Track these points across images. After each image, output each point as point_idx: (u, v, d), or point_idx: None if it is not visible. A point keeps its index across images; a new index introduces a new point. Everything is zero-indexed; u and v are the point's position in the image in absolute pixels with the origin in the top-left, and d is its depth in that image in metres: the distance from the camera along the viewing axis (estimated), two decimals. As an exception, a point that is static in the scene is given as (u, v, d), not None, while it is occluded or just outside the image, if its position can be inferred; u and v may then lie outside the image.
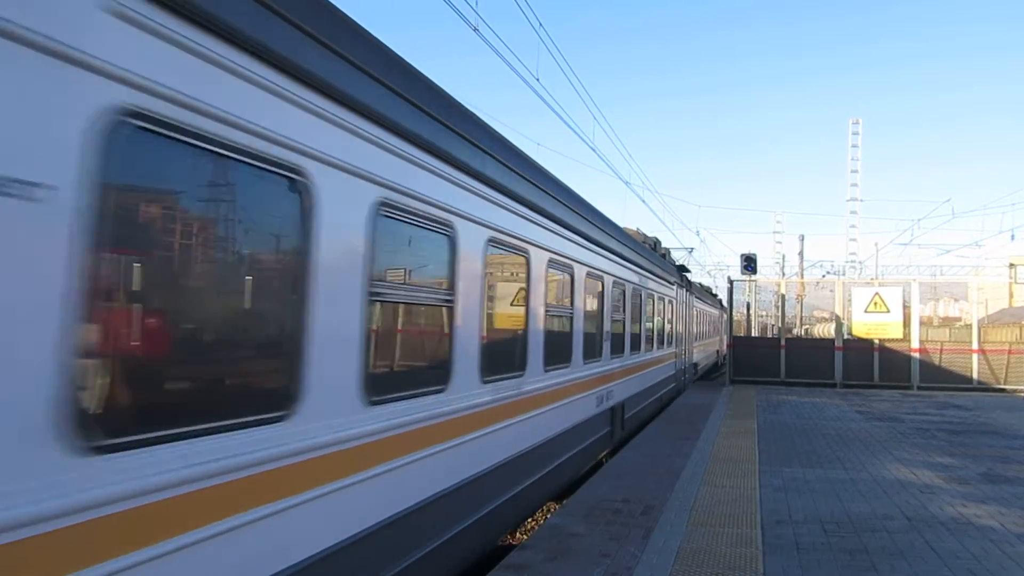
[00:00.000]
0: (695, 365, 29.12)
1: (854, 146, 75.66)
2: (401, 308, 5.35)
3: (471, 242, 6.25)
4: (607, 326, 11.96)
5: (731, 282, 30.07)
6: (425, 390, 5.45)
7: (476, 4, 10.91)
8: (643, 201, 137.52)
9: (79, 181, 2.62)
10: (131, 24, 2.82)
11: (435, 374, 5.74)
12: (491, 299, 6.97)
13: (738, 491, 9.33)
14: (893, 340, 26.19)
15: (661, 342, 18.45)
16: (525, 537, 8.95)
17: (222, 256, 3.66)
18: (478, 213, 6.36)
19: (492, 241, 6.75)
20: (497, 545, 7.92)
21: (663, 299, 18.80)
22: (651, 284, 16.54)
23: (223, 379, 3.65)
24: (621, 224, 15.18)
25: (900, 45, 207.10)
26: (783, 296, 32.41)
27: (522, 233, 7.52)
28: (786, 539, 7.31)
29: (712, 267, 61.76)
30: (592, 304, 10.96)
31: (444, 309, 5.88)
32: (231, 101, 3.35)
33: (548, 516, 8.63)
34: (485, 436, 6.58)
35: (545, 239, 8.29)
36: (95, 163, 2.67)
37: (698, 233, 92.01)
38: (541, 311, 8.15)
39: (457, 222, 5.92)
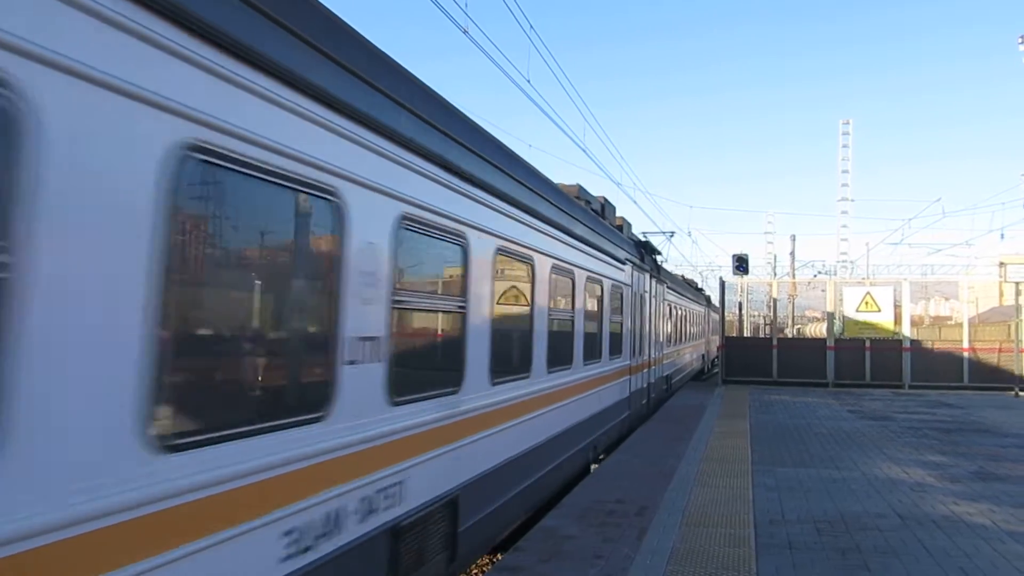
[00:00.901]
0: (667, 379, 21.97)
1: (844, 146, 76.04)
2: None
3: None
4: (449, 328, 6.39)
5: (723, 282, 30.14)
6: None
7: (466, 6, 10.93)
8: (634, 201, 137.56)
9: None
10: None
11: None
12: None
13: (731, 491, 9.35)
14: (884, 339, 26.32)
15: (597, 353, 11.60)
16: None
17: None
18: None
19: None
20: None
21: (608, 286, 12.27)
22: (580, 260, 10.32)
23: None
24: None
25: (890, 46, 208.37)
26: (775, 297, 32.50)
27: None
28: (779, 539, 7.33)
29: (704, 267, 61.89)
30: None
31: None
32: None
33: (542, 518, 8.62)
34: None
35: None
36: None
37: (690, 234, 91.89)
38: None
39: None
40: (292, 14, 3.86)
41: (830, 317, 27.74)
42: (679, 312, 25.31)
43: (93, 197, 2.72)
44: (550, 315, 8.76)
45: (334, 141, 4.22)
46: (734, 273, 29.83)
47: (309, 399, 4.15)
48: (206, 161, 3.26)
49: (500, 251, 6.96)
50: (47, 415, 2.56)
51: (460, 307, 6.20)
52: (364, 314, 4.58)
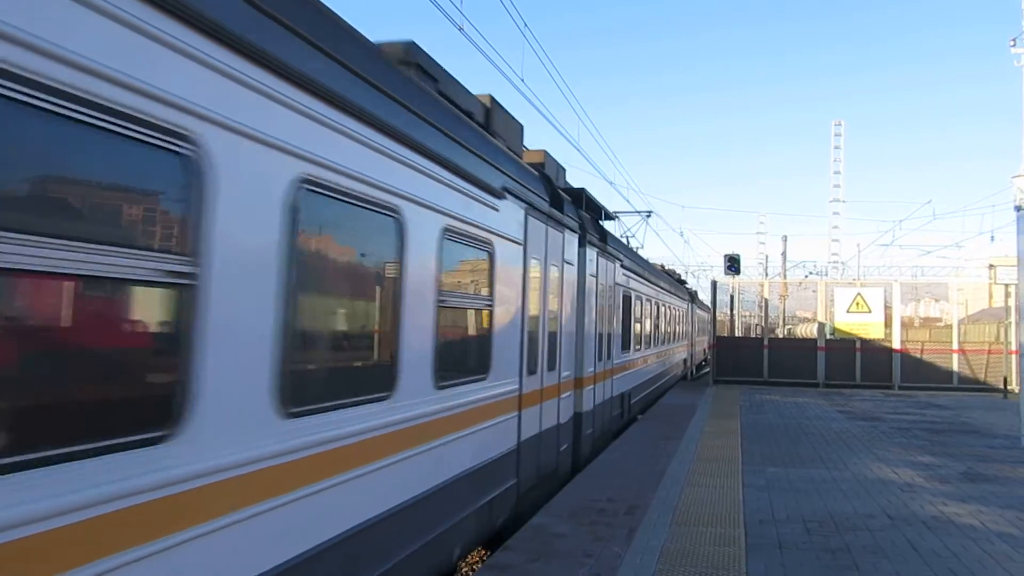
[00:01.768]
0: (623, 400, 15.22)
1: (836, 148, 76.33)
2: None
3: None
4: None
5: (715, 282, 30.20)
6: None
7: (461, 3, 10.87)
8: (627, 201, 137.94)
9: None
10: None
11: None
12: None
13: (721, 491, 9.35)
14: (874, 340, 26.42)
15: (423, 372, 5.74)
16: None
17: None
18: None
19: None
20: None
21: (479, 241, 6.82)
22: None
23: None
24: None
25: (881, 47, 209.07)
26: (766, 297, 32.59)
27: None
28: (769, 538, 7.34)
29: (696, 268, 62.04)
30: None
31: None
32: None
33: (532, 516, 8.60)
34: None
35: None
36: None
37: (682, 234, 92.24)
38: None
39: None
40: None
41: (821, 327, 27.79)
42: (648, 306, 18.93)
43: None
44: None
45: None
46: (726, 273, 29.87)
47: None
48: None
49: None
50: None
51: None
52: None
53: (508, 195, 7.44)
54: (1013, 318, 21.05)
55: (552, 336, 9.35)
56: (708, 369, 38.97)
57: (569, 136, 72.50)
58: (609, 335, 13.22)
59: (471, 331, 6.95)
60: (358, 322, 5.11)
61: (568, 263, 10.13)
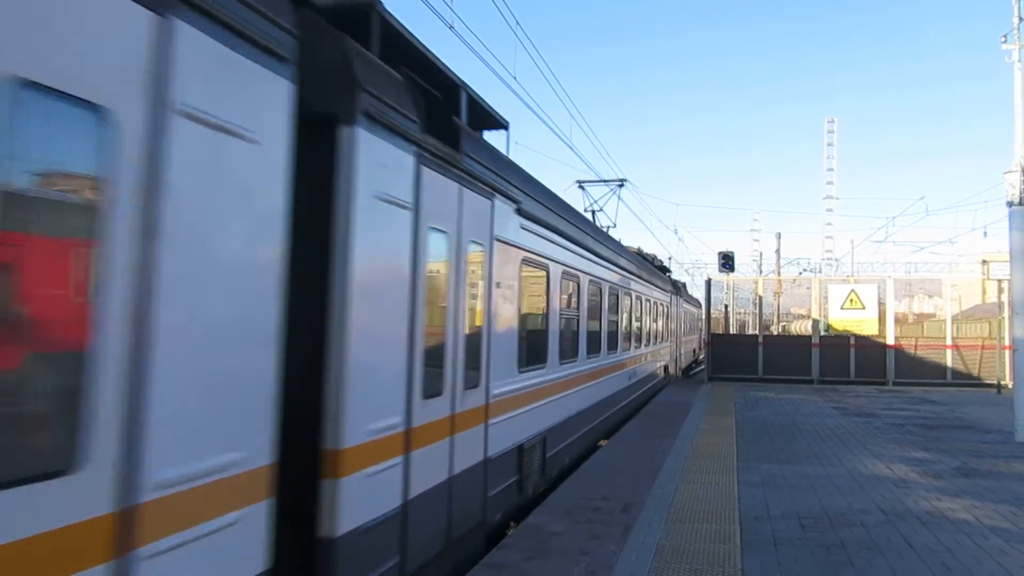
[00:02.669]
0: (515, 459, 8.45)
1: (829, 144, 76.47)
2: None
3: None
4: None
5: (709, 280, 30.27)
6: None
7: (452, 1, 10.70)
8: (620, 199, 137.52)
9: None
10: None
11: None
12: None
13: (717, 487, 9.37)
14: (869, 336, 26.50)
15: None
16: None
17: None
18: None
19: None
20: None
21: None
22: None
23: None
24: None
25: (874, 45, 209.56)
26: (760, 294, 32.67)
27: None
28: (764, 535, 7.36)
29: (690, 265, 62.13)
30: None
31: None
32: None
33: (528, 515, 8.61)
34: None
35: None
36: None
37: (676, 231, 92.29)
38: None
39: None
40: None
41: (815, 324, 27.88)
42: (596, 294, 13.17)
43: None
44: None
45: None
46: (720, 271, 29.95)
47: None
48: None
49: None
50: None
51: None
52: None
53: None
54: (1006, 313, 21.13)
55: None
56: (699, 369, 38.90)
57: (562, 134, 72.50)
58: (478, 342, 7.22)
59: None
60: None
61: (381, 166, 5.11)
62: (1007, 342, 22.82)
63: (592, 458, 11.39)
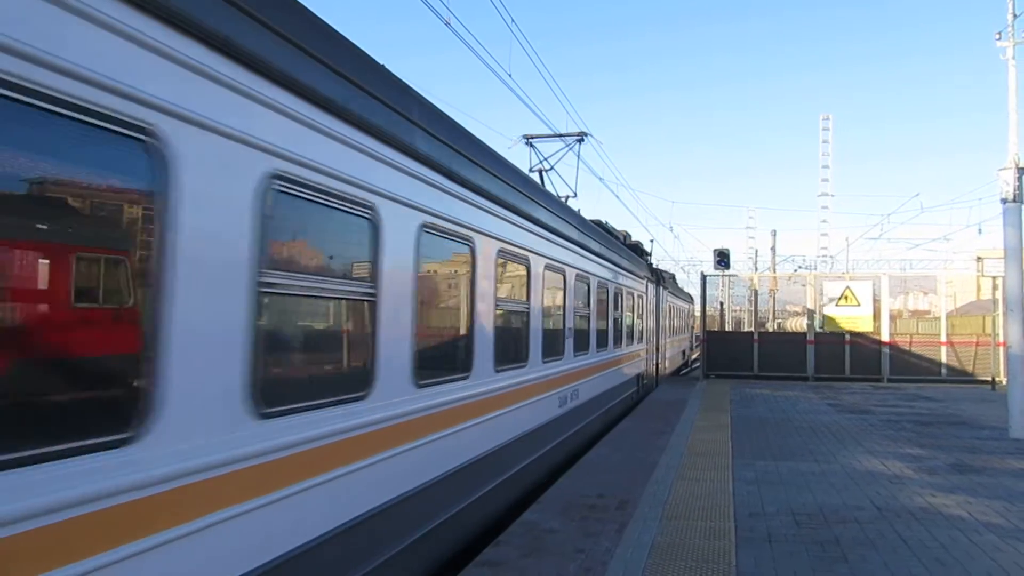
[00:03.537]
0: None
1: (825, 142, 76.58)
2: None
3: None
4: None
5: (704, 276, 30.29)
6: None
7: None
8: (616, 196, 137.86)
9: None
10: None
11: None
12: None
13: (712, 484, 9.39)
14: (863, 333, 26.55)
15: None
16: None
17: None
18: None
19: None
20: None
21: None
22: None
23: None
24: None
25: (870, 41, 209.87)
26: (756, 290, 32.70)
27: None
28: (759, 531, 7.37)
29: (685, 262, 62.22)
30: None
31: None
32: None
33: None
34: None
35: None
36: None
37: (671, 228, 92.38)
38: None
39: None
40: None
41: (810, 313, 27.93)
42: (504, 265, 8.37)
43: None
44: None
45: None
46: (716, 268, 29.95)
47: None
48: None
49: None
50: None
51: None
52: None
53: None
54: (1001, 310, 21.20)
55: None
56: (691, 368, 38.70)
57: (556, 131, 72.41)
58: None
59: None
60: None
61: None
62: (1001, 339, 22.93)
63: (588, 455, 11.39)
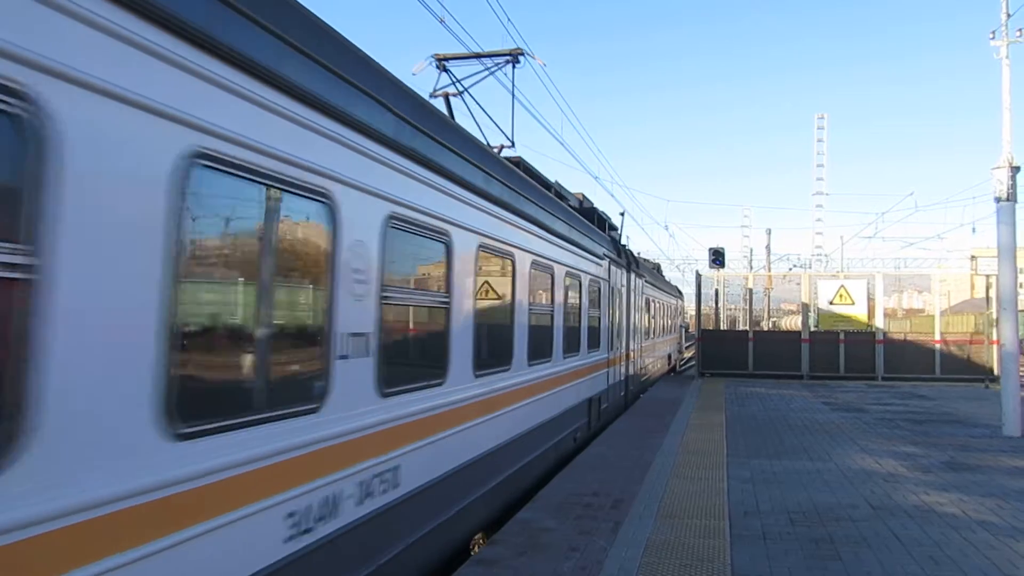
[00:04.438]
0: None
1: (820, 141, 76.69)
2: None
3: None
4: None
5: (699, 275, 30.32)
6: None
7: (441, -3, 10.55)
8: (611, 195, 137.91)
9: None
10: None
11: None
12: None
13: (706, 483, 9.40)
14: (858, 332, 26.62)
15: None
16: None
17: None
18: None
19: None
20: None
21: None
22: None
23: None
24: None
25: (865, 41, 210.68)
26: (751, 289, 32.76)
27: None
28: (753, 530, 7.38)
29: (681, 261, 62.29)
30: None
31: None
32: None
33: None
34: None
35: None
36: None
37: (667, 227, 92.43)
38: None
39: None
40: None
41: (804, 309, 28.00)
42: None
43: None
44: None
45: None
46: (710, 266, 30.00)
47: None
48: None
49: None
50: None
51: None
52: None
53: None
54: (995, 309, 21.27)
55: None
56: (684, 366, 38.31)
57: (553, 130, 72.53)
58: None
59: None
60: None
61: None
62: (995, 337, 23.00)
63: (583, 454, 11.40)
